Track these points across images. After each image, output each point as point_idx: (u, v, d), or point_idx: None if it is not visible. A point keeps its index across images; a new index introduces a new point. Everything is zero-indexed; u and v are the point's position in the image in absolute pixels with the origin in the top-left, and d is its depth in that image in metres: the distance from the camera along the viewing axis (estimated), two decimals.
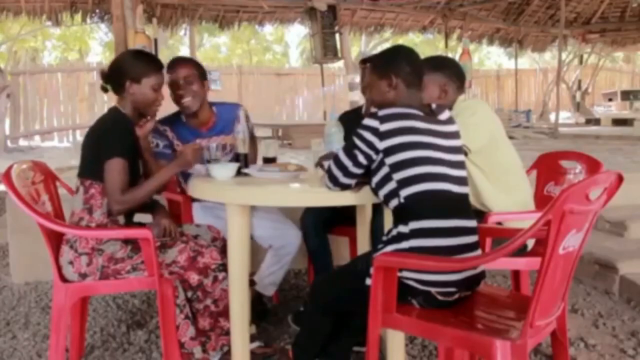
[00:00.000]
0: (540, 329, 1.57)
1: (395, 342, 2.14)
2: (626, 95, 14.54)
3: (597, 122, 12.34)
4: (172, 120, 2.66)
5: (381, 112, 1.77)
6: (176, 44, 18.78)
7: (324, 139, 2.26)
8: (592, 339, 2.54)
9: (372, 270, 1.71)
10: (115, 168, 2.07)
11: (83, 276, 2.09)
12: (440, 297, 1.72)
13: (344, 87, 12.87)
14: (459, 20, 10.79)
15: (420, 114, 1.82)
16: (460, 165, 1.86)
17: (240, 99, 12.62)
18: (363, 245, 2.47)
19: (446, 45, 10.90)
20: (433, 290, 1.71)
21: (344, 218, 2.68)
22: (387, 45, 7.18)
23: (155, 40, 7.35)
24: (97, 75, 10.76)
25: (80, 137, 11.31)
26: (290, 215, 2.77)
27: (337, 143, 2.17)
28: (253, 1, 9.12)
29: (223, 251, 2.19)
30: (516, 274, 2.48)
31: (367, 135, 1.78)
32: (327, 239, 2.82)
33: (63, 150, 9.72)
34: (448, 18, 10.55)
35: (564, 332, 2.02)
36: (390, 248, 1.75)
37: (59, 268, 2.11)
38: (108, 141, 2.11)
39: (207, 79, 2.61)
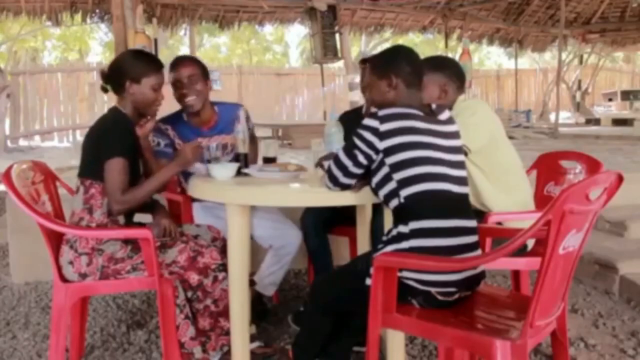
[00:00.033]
0: (540, 329, 1.57)
1: (395, 342, 2.14)
2: (626, 95, 14.54)
3: (597, 122, 12.34)
4: (173, 119, 2.67)
5: (381, 112, 1.77)
6: (176, 44, 18.78)
7: (324, 139, 2.26)
8: (592, 339, 2.54)
9: (372, 270, 1.71)
10: (116, 168, 2.07)
11: (83, 276, 2.09)
12: (440, 297, 1.72)
13: (344, 87, 12.88)
14: (459, 20, 10.79)
15: (420, 114, 1.82)
16: (460, 165, 1.86)
17: (240, 99, 12.61)
18: (363, 245, 2.47)
19: (446, 45, 10.90)
20: (433, 290, 1.71)
21: (344, 218, 2.68)
22: (387, 45, 7.18)
23: (155, 40, 7.36)
24: (97, 75, 10.77)
25: (80, 137, 11.32)
26: (290, 215, 2.77)
27: (337, 143, 2.17)
28: (253, 1, 9.12)
29: (223, 251, 2.19)
30: (516, 274, 2.48)
31: (367, 135, 1.78)
32: (327, 239, 2.82)
33: (63, 150, 9.72)
34: (448, 18, 10.55)
35: (564, 332, 2.02)
36: (390, 248, 1.75)
37: (59, 268, 2.11)
38: (108, 141, 2.11)
39: (209, 78, 2.63)
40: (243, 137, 2.36)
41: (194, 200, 2.57)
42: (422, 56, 2.08)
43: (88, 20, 8.91)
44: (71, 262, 2.09)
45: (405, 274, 1.71)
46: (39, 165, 2.33)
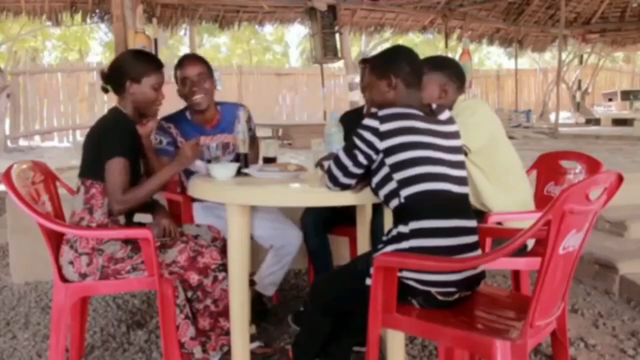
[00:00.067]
0: (540, 329, 1.57)
1: (395, 342, 2.14)
2: (626, 95, 14.54)
3: (597, 122, 12.34)
4: (176, 118, 2.69)
5: (381, 112, 1.77)
6: (176, 44, 18.78)
7: (324, 139, 2.26)
8: (592, 339, 2.55)
9: (372, 270, 1.71)
10: (116, 168, 2.07)
11: (83, 276, 2.09)
12: (440, 297, 1.72)
13: (344, 87, 12.88)
14: (459, 20, 10.78)
15: (420, 114, 1.82)
16: (460, 165, 1.86)
17: (240, 99, 12.60)
18: (363, 245, 2.47)
19: (446, 45, 10.90)
20: (433, 290, 1.71)
21: (344, 218, 2.68)
22: (387, 45, 7.18)
23: (155, 40, 7.35)
24: (97, 75, 10.77)
25: (80, 137, 11.32)
26: (290, 215, 2.77)
27: (337, 143, 2.17)
28: (253, 1, 9.12)
29: (223, 251, 2.19)
30: (516, 274, 2.48)
31: (367, 135, 1.78)
32: (327, 239, 2.82)
33: (63, 150, 9.72)
34: (448, 18, 10.54)
35: (564, 332, 2.02)
36: (390, 248, 1.75)
37: (59, 268, 2.11)
38: (109, 141, 2.11)
39: (214, 77, 2.65)
40: (243, 137, 2.36)
41: (194, 200, 2.58)
42: (422, 56, 2.08)
43: (88, 20, 8.90)
44: (71, 262, 2.09)
45: (405, 274, 1.71)
46: (39, 165, 2.33)
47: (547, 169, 2.67)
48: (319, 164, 2.06)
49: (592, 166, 2.44)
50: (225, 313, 2.19)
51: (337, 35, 8.74)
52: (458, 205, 1.81)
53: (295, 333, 2.49)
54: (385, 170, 1.78)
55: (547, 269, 1.43)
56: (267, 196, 2.02)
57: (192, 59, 2.66)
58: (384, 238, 1.81)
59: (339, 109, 11.84)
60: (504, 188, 2.37)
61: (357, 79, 5.91)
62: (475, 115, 2.30)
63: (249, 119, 2.69)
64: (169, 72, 2.53)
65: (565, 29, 10.69)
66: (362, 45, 15.76)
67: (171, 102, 2.61)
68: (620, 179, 1.51)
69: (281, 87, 14.31)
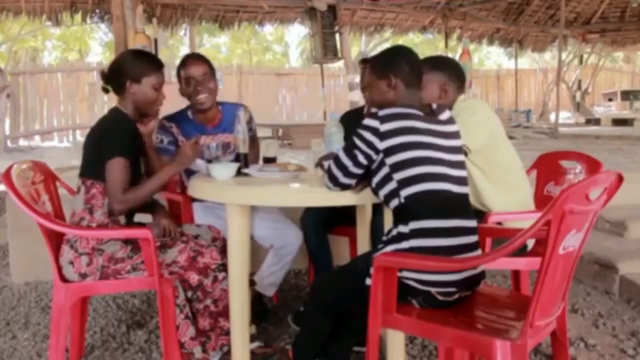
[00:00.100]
0: (540, 329, 1.57)
1: (395, 342, 2.14)
2: (626, 95, 14.54)
3: (597, 122, 12.34)
4: (178, 117, 2.69)
5: (381, 112, 1.77)
6: (176, 44, 18.79)
7: (324, 139, 2.26)
8: (592, 339, 2.55)
9: (372, 270, 1.71)
10: (117, 168, 2.08)
11: (83, 276, 2.09)
12: (440, 297, 1.72)
13: (344, 87, 12.88)
14: (459, 20, 10.78)
15: (420, 114, 1.82)
16: (460, 165, 1.86)
17: (240, 99, 12.61)
18: (363, 245, 2.47)
19: (446, 45, 10.89)
20: (433, 290, 1.71)
21: (344, 218, 2.68)
22: (387, 45, 7.18)
23: (155, 40, 7.35)
24: (97, 75, 10.77)
25: (80, 137, 11.33)
26: (290, 215, 2.77)
27: (337, 143, 2.17)
28: (253, 1, 9.11)
29: (223, 251, 2.19)
30: (516, 274, 2.48)
31: (367, 135, 1.78)
32: (327, 239, 2.82)
33: (63, 150, 9.72)
34: (448, 18, 10.54)
35: (564, 332, 2.02)
36: (390, 248, 1.75)
37: (59, 268, 2.11)
38: (109, 141, 2.11)
39: (216, 76, 2.67)
40: (243, 137, 2.36)
41: (194, 200, 2.58)
42: (422, 56, 2.08)
43: (88, 20, 8.90)
44: (71, 262, 2.09)
45: (405, 274, 1.71)
46: (39, 165, 2.33)
47: (547, 169, 2.67)
48: (319, 164, 2.06)
49: (592, 166, 2.44)
50: (225, 313, 2.19)
51: (337, 35, 8.74)
52: (458, 205, 1.81)
53: (295, 333, 2.49)
54: (385, 170, 1.78)
55: (547, 269, 1.43)
56: (267, 196, 2.02)
57: (196, 58, 2.67)
58: (384, 238, 1.81)
59: (339, 109, 11.86)
60: (504, 188, 2.37)
61: (357, 79, 5.91)
62: (475, 115, 2.30)
63: (250, 120, 2.70)
64: (169, 72, 2.53)
65: (565, 29, 10.69)
66: (362, 45, 15.76)
67: (172, 102, 2.61)
68: (620, 179, 1.51)
69: (281, 87, 14.31)
